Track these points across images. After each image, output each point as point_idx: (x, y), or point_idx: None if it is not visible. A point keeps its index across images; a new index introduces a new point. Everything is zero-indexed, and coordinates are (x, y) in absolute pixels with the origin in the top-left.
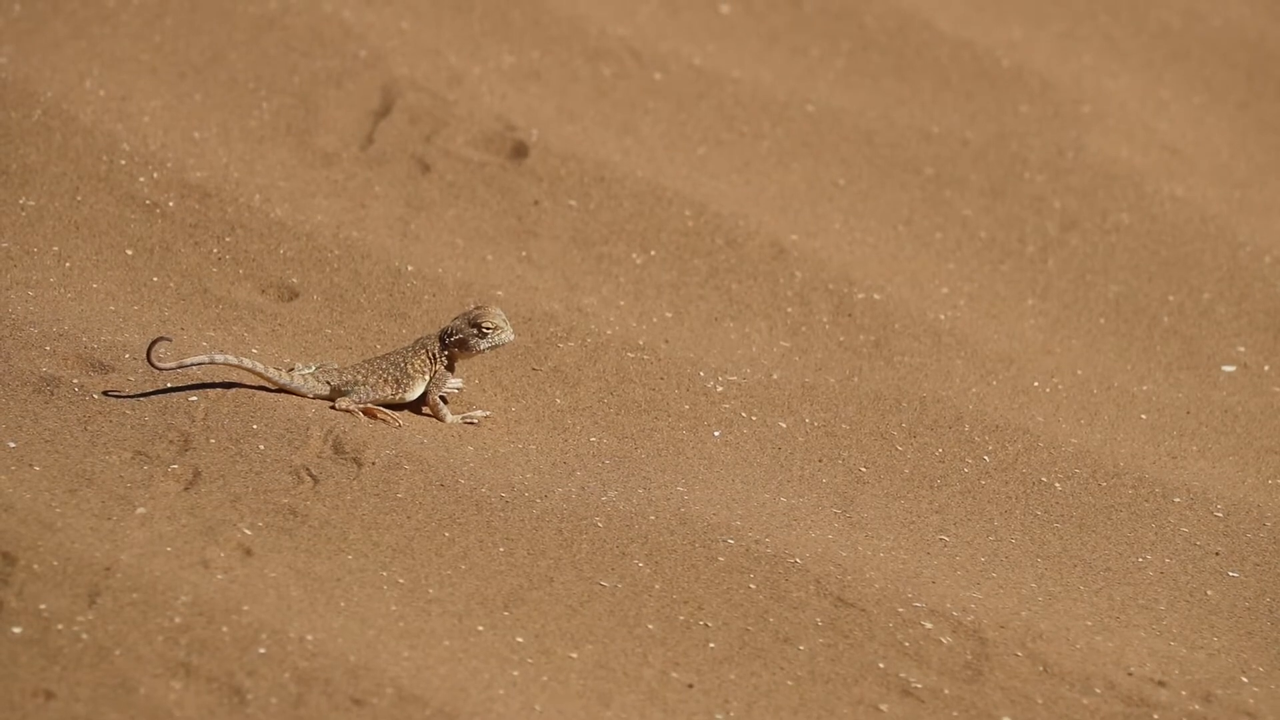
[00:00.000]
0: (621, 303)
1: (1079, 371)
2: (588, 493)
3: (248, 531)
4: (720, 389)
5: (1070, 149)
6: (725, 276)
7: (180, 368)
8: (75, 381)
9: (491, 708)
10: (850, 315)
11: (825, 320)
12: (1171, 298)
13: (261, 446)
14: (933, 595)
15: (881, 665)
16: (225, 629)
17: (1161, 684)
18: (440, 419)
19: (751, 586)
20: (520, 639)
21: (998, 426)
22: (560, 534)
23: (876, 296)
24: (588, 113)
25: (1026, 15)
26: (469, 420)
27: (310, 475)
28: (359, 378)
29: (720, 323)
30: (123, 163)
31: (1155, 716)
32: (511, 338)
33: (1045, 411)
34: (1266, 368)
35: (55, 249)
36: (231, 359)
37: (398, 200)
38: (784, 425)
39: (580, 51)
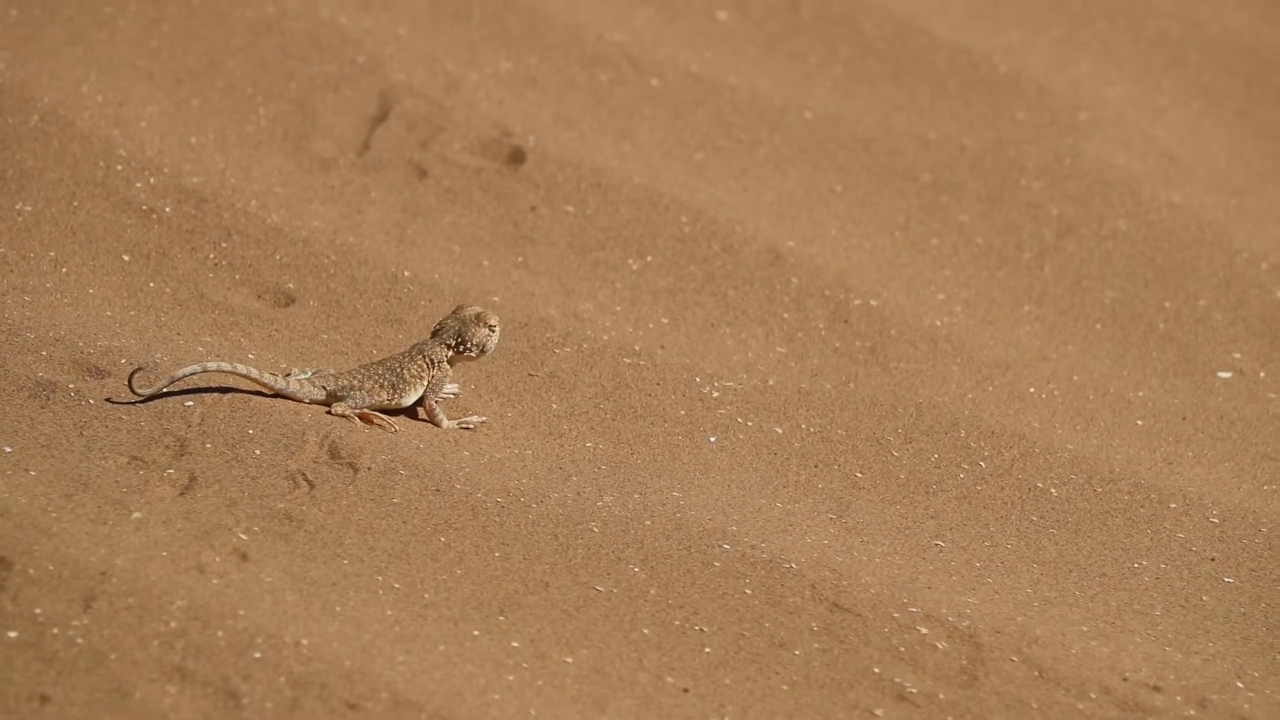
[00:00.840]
0: (618, 308)
1: (1075, 377)
2: (583, 498)
3: (243, 536)
4: (716, 395)
5: (1067, 155)
6: (722, 282)
7: (169, 385)
8: (71, 386)
9: (487, 712)
10: (846, 321)
11: (821, 326)
12: (1168, 304)
13: (257, 451)
14: (928, 600)
15: (877, 670)
16: (221, 634)
17: (1157, 689)
18: (436, 424)
19: (747, 591)
20: (516, 644)
21: (993, 432)
22: (556, 539)
23: (873, 302)
24: (585, 119)
25: (1024, 21)
26: (465, 425)
27: (306, 480)
28: (355, 383)
29: (716, 329)
30: (119, 168)
31: None
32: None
33: (1041, 417)
34: (1262, 374)
35: (52, 254)
36: (225, 365)
37: (394, 206)
38: (780, 431)
39: (577, 58)
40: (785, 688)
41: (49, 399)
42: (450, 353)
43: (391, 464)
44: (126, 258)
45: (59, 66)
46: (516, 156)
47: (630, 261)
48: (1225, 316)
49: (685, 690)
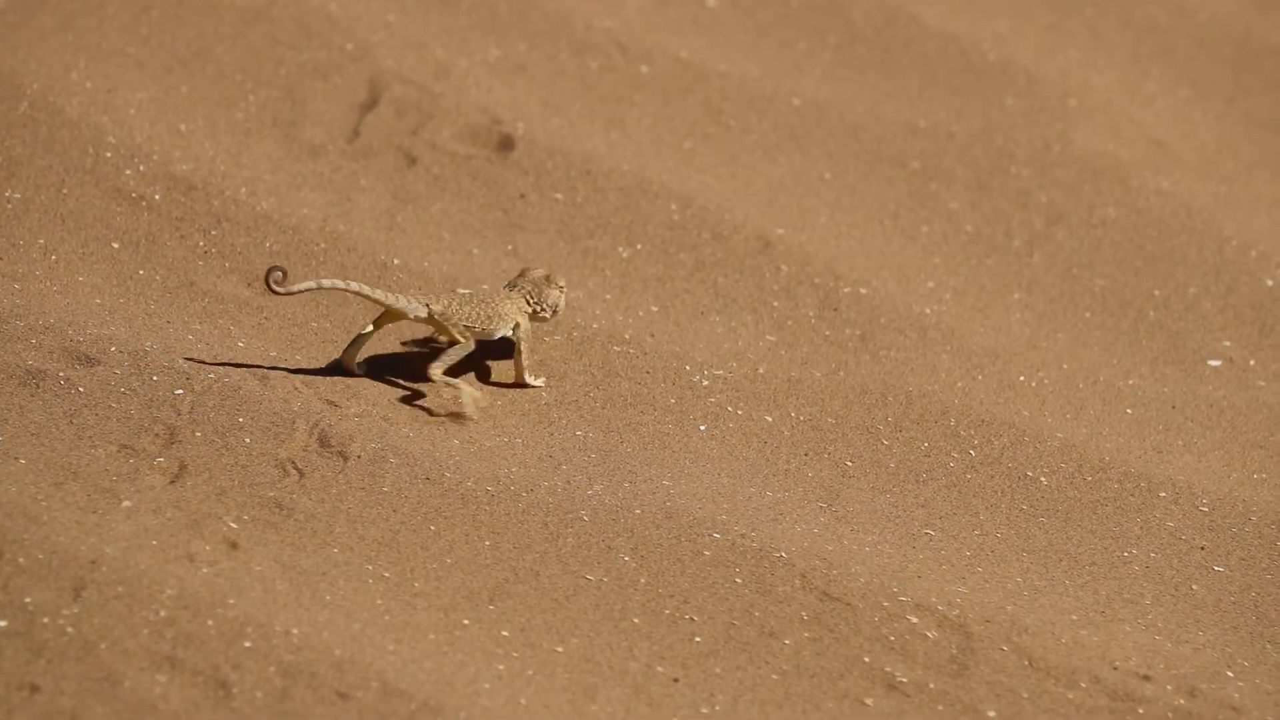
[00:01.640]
0: (608, 296)
1: (1065, 366)
2: (573, 486)
3: (233, 525)
4: (706, 383)
5: (1056, 143)
6: (711, 270)
7: (297, 292)
8: (61, 375)
9: (477, 701)
10: (836, 309)
11: (811, 314)
12: (1157, 292)
13: (247, 440)
14: (918, 589)
15: (867, 659)
16: (211, 622)
17: (1146, 678)
18: (522, 380)
19: (737, 580)
20: (506, 633)
21: (983, 421)
22: (546, 528)
23: (863, 290)
24: (574, 106)
25: (1013, 9)
26: (535, 384)
27: (296, 469)
28: (456, 305)
29: (706, 316)
30: (109, 155)
31: (1140, 711)
32: None
33: (1031, 406)
34: (1252, 362)
35: (41, 242)
36: (339, 284)
37: (384, 193)
38: (770, 419)
39: (567, 45)
40: (775, 677)
41: (39, 387)
42: (530, 310)
43: (381, 452)
44: (116, 245)
45: (48, 53)
46: (506, 144)
47: (620, 249)
48: (1215, 304)
49: (675, 679)
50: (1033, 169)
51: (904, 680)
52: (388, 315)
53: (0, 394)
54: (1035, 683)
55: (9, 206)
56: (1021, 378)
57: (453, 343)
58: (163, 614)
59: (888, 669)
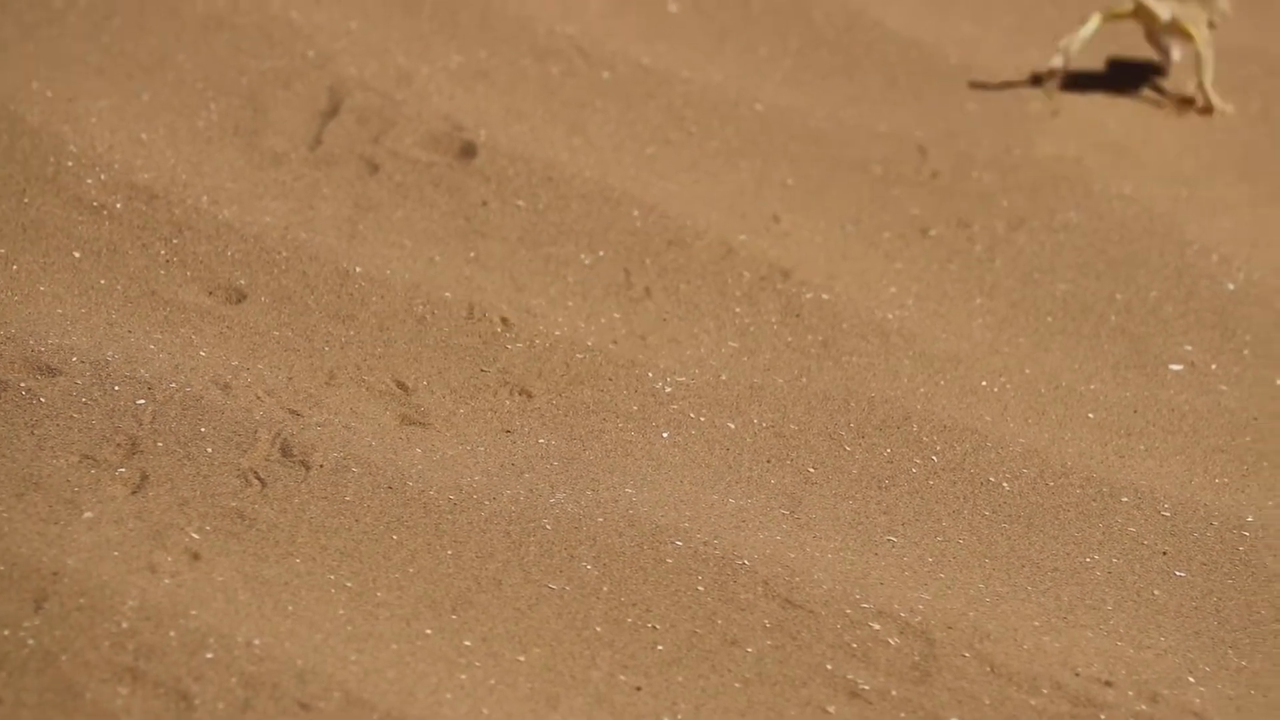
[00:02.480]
0: (570, 303)
1: (1027, 370)
2: (536, 495)
3: (195, 535)
4: (669, 390)
5: (1018, 146)
6: (674, 277)
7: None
8: (22, 385)
9: (439, 711)
10: (798, 315)
11: (773, 320)
12: (1119, 296)
13: (209, 449)
14: (880, 596)
15: (829, 667)
16: (173, 634)
17: (1108, 684)
18: (1208, 100)
19: (699, 588)
20: (468, 642)
21: (945, 426)
22: (508, 536)
23: (825, 296)
24: (536, 112)
25: (976, 12)
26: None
27: (258, 478)
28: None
29: (669, 323)
30: (70, 164)
31: (1102, 717)
32: None
33: (993, 411)
34: (1214, 366)
35: (2, 251)
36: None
37: (346, 201)
38: (732, 426)
39: (528, 50)
40: (738, 685)
41: None
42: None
43: (343, 461)
44: (77, 254)
45: (8, 62)
46: (468, 150)
47: (582, 256)
48: (1176, 308)
49: (638, 688)
50: (994, 173)
51: (866, 688)
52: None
53: None
54: (997, 689)
55: None
56: (984, 383)
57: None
58: (124, 625)
59: (850, 676)
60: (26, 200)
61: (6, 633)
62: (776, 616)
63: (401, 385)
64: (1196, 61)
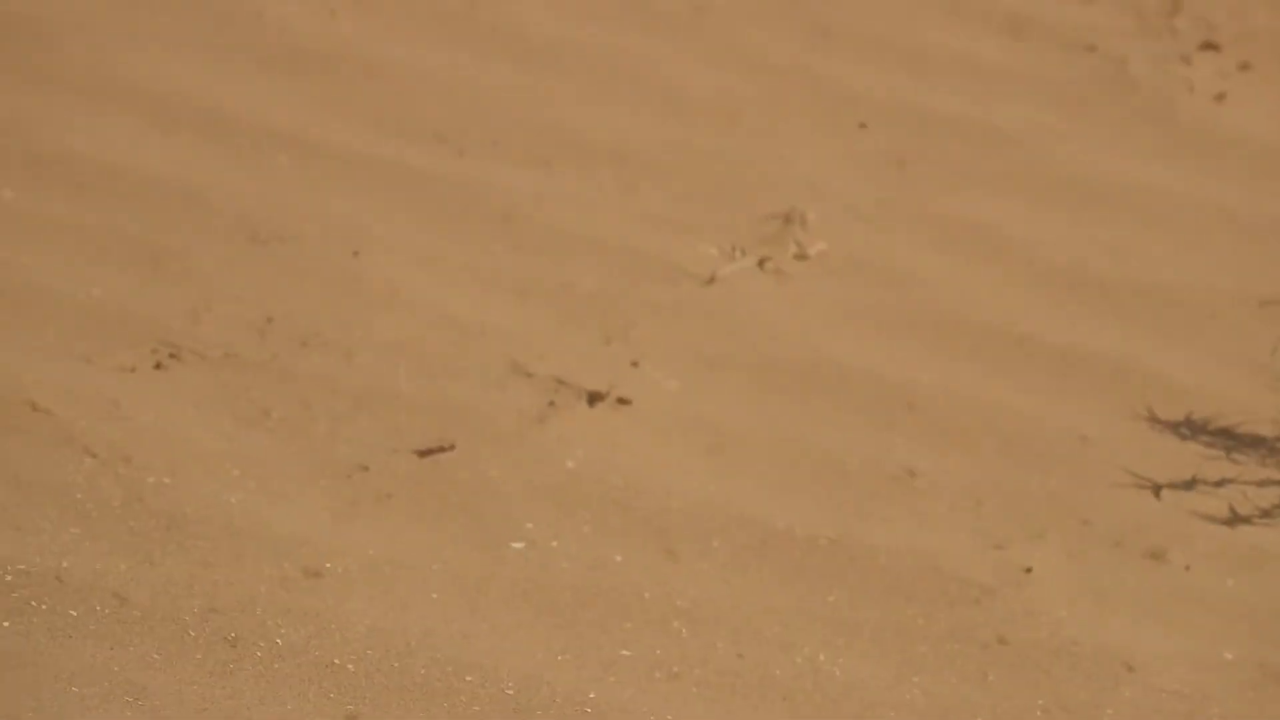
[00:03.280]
0: None
1: (370, 551)
2: None
3: None
4: (9, 579)
5: (359, 328)
6: None
7: None
8: None
9: None
10: (141, 500)
11: (117, 505)
12: (462, 475)
13: None
14: None
15: None
16: None
17: None
18: None
19: None
20: None
21: (289, 610)
22: None
23: (167, 481)
24: None
25: None
26: None
27: None
28: None
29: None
30: None
31: None
32: None
33: (336, 593)
34: (554, 543)
35: None
36: None
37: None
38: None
39: None
40: None
41: None
42: None
43: None
44: None
45: None
46: None
47: None
48: (518, 488)
49: None
50: (334, 355)
51: None
52: None
53: None
54: None
55: None
56: (328, 564)
57: None
58: None
59: None
60: None
61: None
62: None
63: None
64: None
